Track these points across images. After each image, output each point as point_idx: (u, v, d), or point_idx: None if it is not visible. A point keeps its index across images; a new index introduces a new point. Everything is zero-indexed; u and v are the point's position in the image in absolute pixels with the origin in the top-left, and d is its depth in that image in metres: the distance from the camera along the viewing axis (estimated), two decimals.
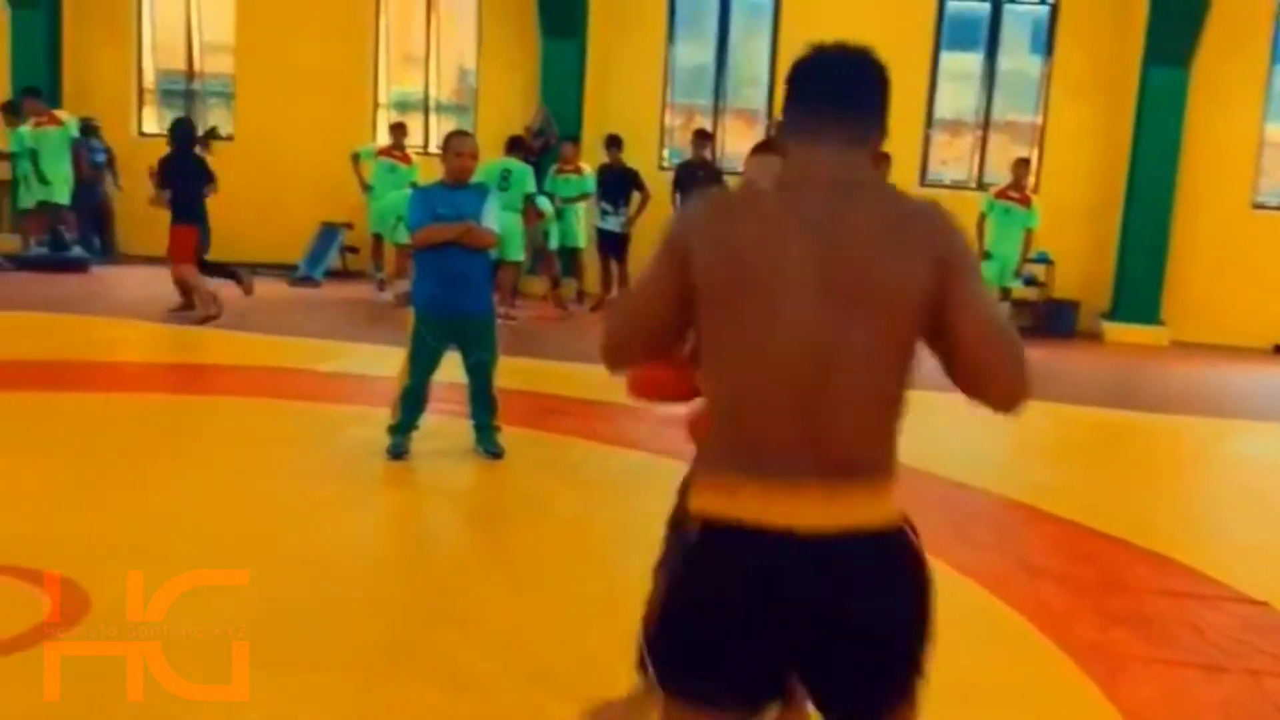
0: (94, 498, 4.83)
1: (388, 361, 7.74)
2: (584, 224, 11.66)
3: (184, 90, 13.83)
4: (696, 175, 11.47)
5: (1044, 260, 11.84)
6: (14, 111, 11.94)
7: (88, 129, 12.54)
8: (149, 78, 13.80)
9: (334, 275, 12.40)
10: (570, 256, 11.83)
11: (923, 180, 12.29)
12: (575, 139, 11.69)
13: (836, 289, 1.80)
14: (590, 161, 11.87)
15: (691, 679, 1.90)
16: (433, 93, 13.57)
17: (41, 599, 3.72)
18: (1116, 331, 11.75)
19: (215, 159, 13.02)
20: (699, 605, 1.90)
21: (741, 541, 1.84)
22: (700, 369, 1.94)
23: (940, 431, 7.39)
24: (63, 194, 11.80)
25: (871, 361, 1.83)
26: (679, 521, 2.13)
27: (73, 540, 4.25)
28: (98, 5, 13.37)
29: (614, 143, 11.57)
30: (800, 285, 1.81)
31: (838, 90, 1.96)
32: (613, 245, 11.60)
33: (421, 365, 5.72)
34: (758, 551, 1.83)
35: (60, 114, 11.95)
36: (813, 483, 1.82)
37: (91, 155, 12.52)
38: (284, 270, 12.23)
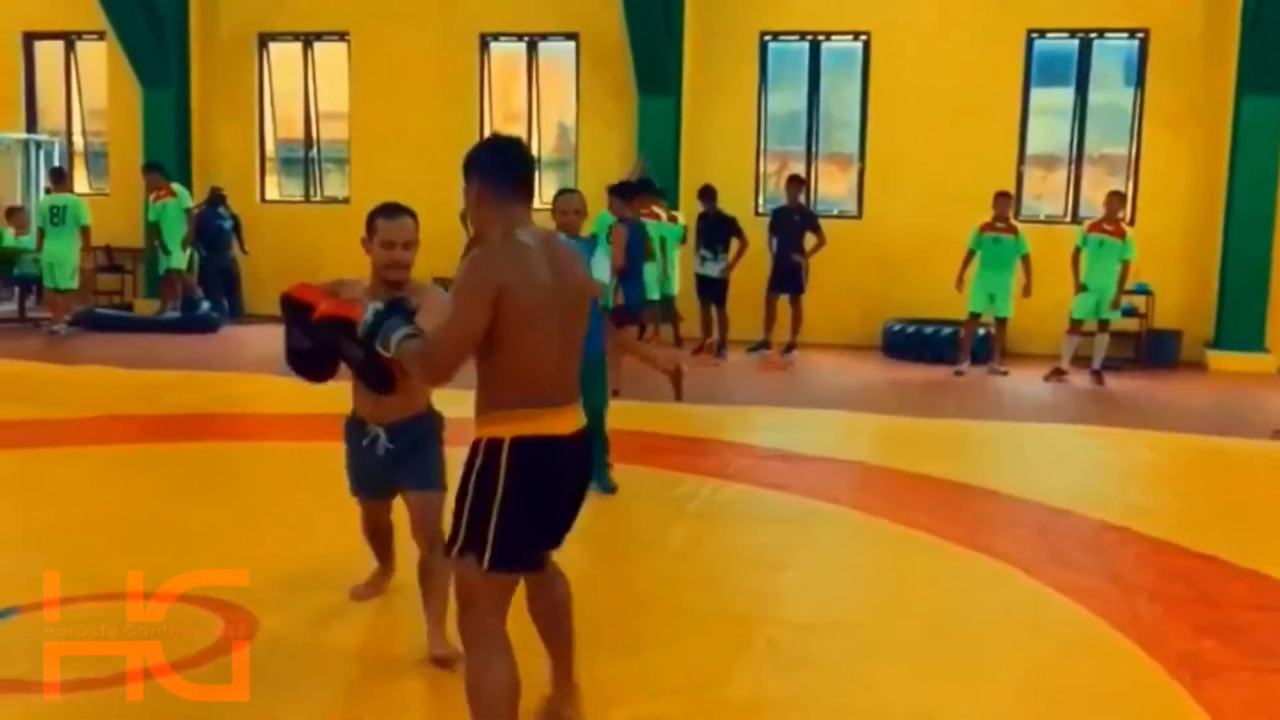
0: (253, 535, 5.29)
1: None
2: (678, 271, 12.05)
3: (302, 158, 14.64)
4: (792, 219, 11.82)
5: (1143, 291, 11.86)
6: (163, 173, 12.82)
7: (216, 198, 13.38)
8: (270, 147, 14.65)
9: None
10: (667, 303, 12.23)
11: (1017, 215, 12.43)
12: (661, 192, 12.11)
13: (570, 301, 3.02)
14: (687, 211, 12.29)
15: (521, 554, 2.99)
16: (534, 149, 14.15)
17: (216, 622, 4.18)
18: (1221, 360, 11.70)
19: (330, 221, 13.80)
20: (536, 498, 2.93)
21: (551, 446, 2.96)
22: (491, 356, 2.93)
23: (1039, 461, 7.59)
24: (180, 260, 12.70)
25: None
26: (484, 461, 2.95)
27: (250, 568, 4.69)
28: (222, 81, 14.28)
29: (707, 193, 11.97)
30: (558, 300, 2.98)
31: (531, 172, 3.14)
32: (712, 291, 11.97)
33: None
34: (561, 451, 2.98)
35: (174, 186, 12.78)
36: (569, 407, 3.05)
37: (219, 222, 13.35)
38: None
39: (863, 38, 12.87)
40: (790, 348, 11.82)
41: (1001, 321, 11.27)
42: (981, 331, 11.39)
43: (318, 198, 14.52)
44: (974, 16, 12.44)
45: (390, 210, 4.03)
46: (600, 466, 6.25)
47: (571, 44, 13.62)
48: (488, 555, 2.89)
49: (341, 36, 14.06)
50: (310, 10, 14.02)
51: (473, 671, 2.96)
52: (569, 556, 5.50)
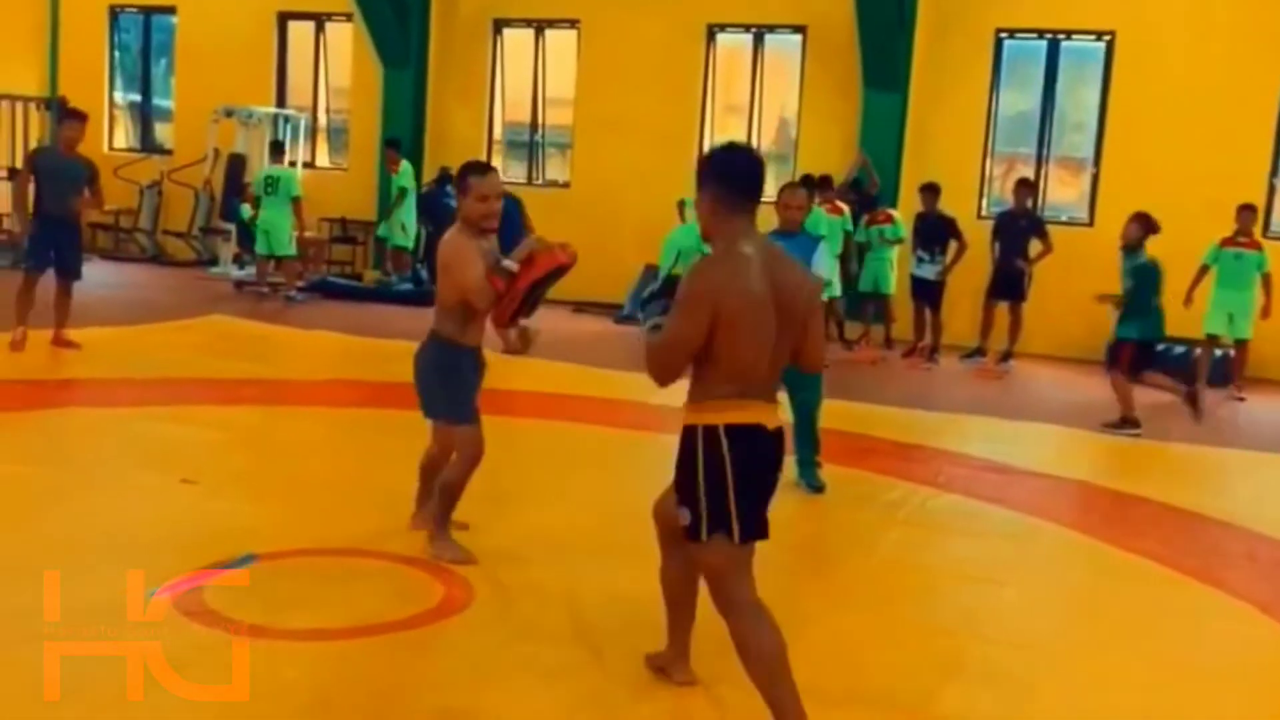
0: (479, 508, 5.39)
1: None
2: (894, 271, 11.81)
3: (527, 141, 15.03)
4: (1017, 224, 11.40)
5: None
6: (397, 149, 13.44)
7: (444, 177, 13.87)
8: (497, 130, 15.09)
9: None
10: (880, 302, 12.01)
11: (1265, 230, 11.63)
12: (870, 195, 11.90)
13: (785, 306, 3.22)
14: (907, 210, 12.02)
15: (757, 523, 3.23)
16: (754, 142, 14.09)
17: (437, 588, 4.33)
18: None
19: (550, 203, 14.14)
20: (755, 473, 3.20)
21: (759, 432, 3.20)
22: (709, 353, 3.16)
23: (1267, 490, 7.10)
24: (385, 230, 13.39)
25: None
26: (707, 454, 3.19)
27: (465, 542, 4.84)
28: (457, 64, 14.78)
29: (928, 190, 11.66)
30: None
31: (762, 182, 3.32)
32: (927, 292, 11.66)
33: None
34: (767, 438, 3.22)
35: (401, 165, 13.31)
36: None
37: (445, 200, 13.83)
38: (610, 309, 13.03)
39: (1106, 37, 12.29)
40: (1007, 356, 11.42)
41: (1241, 344, 10.56)
42: (1219, 354, 10.73)
43: (539, 181, 14.86)
44: (1232, 17, 11.69)
45: (481, 167, 4.68)
46: (809, 464, 6.18)
47: (798, 37, 13.50)
48: (736, 530, 3.17)
49: (572, 24, 14.34)
50: None
51: (749, 638, 3.19)
52: (776, 554, 5.49)
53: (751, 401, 3.19)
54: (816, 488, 6.12)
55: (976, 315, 11.55)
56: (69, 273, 8.72)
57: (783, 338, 3.22)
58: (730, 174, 3.26)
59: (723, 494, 3.15)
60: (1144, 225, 8.66)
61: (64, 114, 9.34)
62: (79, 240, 8.88)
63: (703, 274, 3.18)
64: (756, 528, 3.24)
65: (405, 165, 13.38)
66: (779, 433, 3.26)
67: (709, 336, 3.11)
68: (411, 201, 13.33)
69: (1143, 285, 8.56)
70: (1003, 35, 12.71)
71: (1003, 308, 11.45)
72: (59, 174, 8.56)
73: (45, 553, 4.37)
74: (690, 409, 3.24)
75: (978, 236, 11.48)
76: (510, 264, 4.43)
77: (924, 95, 12.65)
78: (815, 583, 4.90)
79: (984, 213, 12.67)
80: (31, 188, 8.69)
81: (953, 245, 11.52)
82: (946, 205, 11.66)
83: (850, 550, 5.39)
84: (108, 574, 3.94)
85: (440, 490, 4.66)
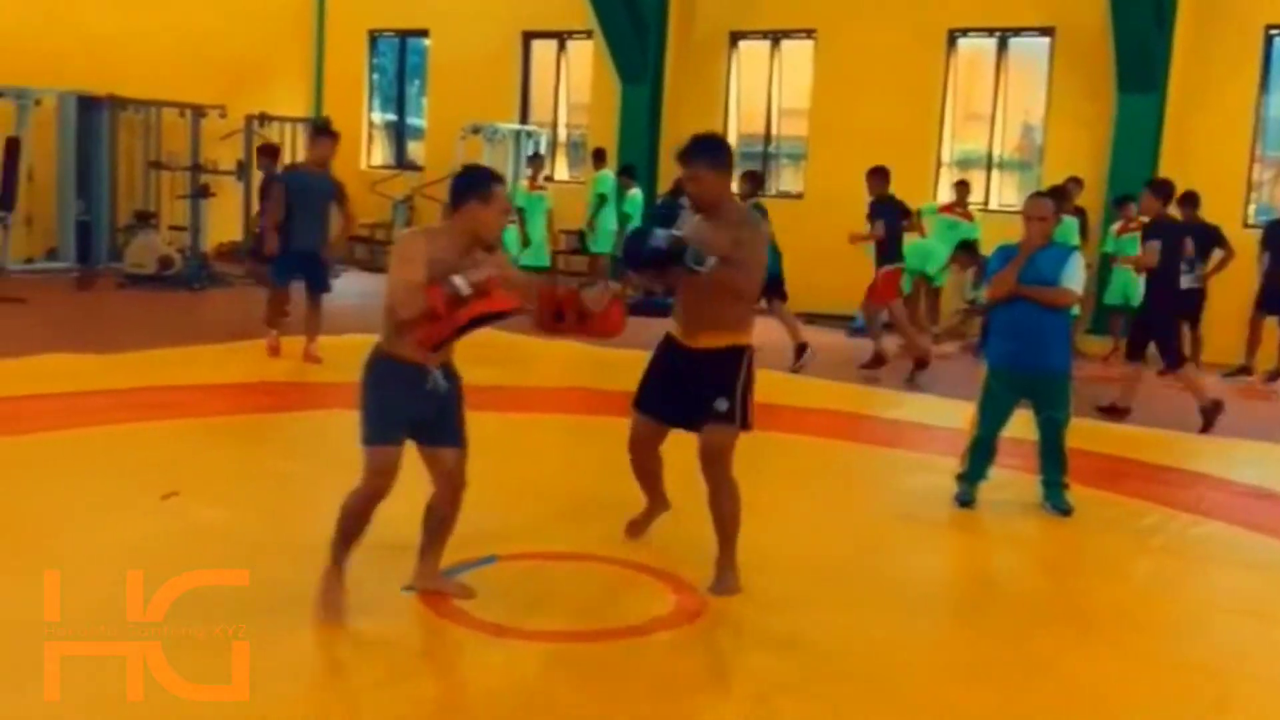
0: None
1: (947, 413, 7.94)
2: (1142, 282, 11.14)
3: (760, 152, 15.02)
4: None
5: None
6: (603, 160, 14.04)
7: (677, 189, 14.01)
8: (731, 142, 15.13)
9: (890, 327, 12.76)
10: (1129, 316, 11.36)
11: None
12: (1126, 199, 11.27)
13: None
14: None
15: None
16: (996, 150, 13.63)
17: (669, 596, 4.37)
18: None
19: (783, 214, 14.09)
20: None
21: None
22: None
23: None
24: (593, 243, 13.95)
25: None
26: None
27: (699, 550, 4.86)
28: (693, 78, 14.92)
29: (1188, 200, 10.94)
30: None
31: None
32: (1185, 305, 10.94)
33: (991, 417, 5.87)
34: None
35: (598, 173, 13.81)
36: None
37: (681, 212, 13.95)
38: (841, 321, 12.85)
39: None
40: (1276, 375, 10.61)
41: None
42: None
43: (772, 192, 14.80)
44: None
45: (501, 176, 4.16)
46: (1055, 486, 5.90)
47: (1045, 39, 12.96)
48: (750, 422, 4.43)
49: (809, 34, 14.25)
50: (781, 8, 14.29)
51: (735, 493, 4.42)
52: (1018, 581, 5.28)
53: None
54: (1063, 510, 5.83)
55: (1242, 331, 10.79)
56: (318, 287, 9.09)
57: None
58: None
59: (749, 396, 4.40)
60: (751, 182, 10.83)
61: (317, 131, 9.53)
62: (325, 259, 9.22)
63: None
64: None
65: (601, 175, 13.90)
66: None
67: (749, 278, 4.33)
68: (611, 209, 13.73)
69: None
70: (1273, 32, 11.83)
71: (1271, 323, 10.65)
72: (308, 190, 8.93)
73: (313, 545, 4.65)
74: (736, 333, 4.40)
75: (1244, 246, 10.72)
76: (460, 283, 3.80)
77: (1183, 96, 11.92)
78: (1061, 613, 4.66)
79: (1250, 221, 11.81)
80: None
81: (1215, 255, 10.80)
82: (1209, 214, 10.94)
83: (1100, 579, 5.10)
84: (363, 570, 4.17)
85: (338, 518, 4.05)
